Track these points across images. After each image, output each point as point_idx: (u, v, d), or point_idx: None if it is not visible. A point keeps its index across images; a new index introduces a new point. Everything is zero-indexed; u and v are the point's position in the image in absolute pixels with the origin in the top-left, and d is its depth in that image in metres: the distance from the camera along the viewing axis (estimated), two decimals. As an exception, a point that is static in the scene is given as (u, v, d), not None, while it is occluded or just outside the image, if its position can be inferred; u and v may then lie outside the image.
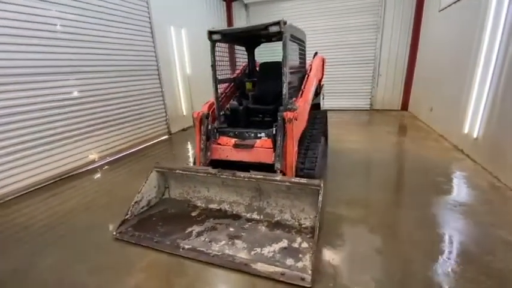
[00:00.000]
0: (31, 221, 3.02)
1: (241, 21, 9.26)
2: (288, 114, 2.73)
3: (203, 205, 2.99)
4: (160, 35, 6.13)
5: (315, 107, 4.26)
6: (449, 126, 4.88)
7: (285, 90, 2.95)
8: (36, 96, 3.80)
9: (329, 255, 2.21)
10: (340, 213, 2.83)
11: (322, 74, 4.52)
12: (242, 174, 2.67)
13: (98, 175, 4.35)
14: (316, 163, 3.11)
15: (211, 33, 3.06)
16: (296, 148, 2.90)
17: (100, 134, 4.81)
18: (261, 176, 2.58)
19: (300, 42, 3.81)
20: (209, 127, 3.16)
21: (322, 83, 4.73)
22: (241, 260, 2.12)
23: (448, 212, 2.75)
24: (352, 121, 7.36)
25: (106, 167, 4.67)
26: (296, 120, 2.75)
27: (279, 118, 2.77)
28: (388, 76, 8.21)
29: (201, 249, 2.28)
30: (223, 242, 2.36)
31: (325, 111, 4.25)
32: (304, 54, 3.98)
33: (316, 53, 4.37)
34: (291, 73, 3.46)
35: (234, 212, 2.82)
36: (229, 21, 9.15)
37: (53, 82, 3.99)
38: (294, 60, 3.73)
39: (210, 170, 2.85)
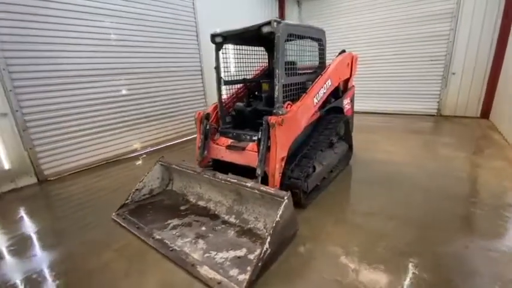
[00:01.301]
0: (72, 197, 3.68)
1: (293, 20, 9.04)
2: (272, 119, 2.59)
3: (194, 201, 3.14)
4: (206, 39, 6.55)
5: (336, 110, 3.88)
6: (528, 143, 3.69)
7: (277, 93, 2.81)
8: (93, 93, 4.66)
9: (280, 274, 2.03)
10: (323, 231, 2.54)
11: (351, 74, 4.05)
12: (220, 176, 2.70)
13: (138, 162, 5.03)
14: (308, 173, 2.87)
15: (213, 36, 3.15)
16: (283, 155, 2.73)
17: (144, 127, 5.54)
18: (235, 180, 2.56)
19: (318, 42, 3.53)
20: (207, 127, 3.27)
21: (351, 84, 4.25)
22: (192, 260, 2.17)
23: (455, 254, 2.13)
24: (404, 128, 6.34)
25: (144, 156, 5.36)
26: (280, 125, 2.58)
27: (263, 122, 2.66)
28: (464, 75, 6.69)
29: (166, 242, 2.42)
30: (189, 239, 2.45)
31: (345, 116, 3.81)
32: (323, 53, 3.65)
33: (343, 51, 3.95)
34: (301, 74, 3.26)
35: (216, 212, 2.87)
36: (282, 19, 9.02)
37: (106, 82, 4.80)
38: (307, 60, 3.50)
39: (197, 168, 2.98)
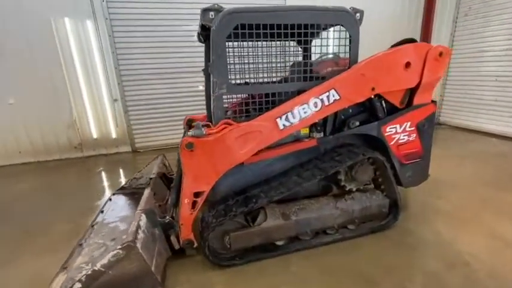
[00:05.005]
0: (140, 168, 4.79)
1: (446, 9, 6.14)
2: (185, 140, 1.99)
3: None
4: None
5: (369, 139, 2.37)
6: None
7: (212, 105, 2.11)
8: (176, 87, 5.57)
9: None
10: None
11: (420, 82, 2.25)
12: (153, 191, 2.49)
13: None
14: (227, 222, 2.03)
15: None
16: (200, 189, 2.07)
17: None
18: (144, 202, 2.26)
19: (348, 30, 2.23)
20: (185, 134, 3.03)
21: (425, 100, 2.37)
22: (71, 262, 2.18)
23: None
24: None
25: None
26: (188, 150, 1.95)
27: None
28: None
29: (92, 234, 2.58)
30: (102, 241, 2.47)
31: (371, 152, 2.22)
32: (351, 47, 2.24)
33: (408, 40, 2.27)
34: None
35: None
36: (430, 4, 6.29)
37: (187, 78, 5.57)
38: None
39: (157, 176, 2.90)
